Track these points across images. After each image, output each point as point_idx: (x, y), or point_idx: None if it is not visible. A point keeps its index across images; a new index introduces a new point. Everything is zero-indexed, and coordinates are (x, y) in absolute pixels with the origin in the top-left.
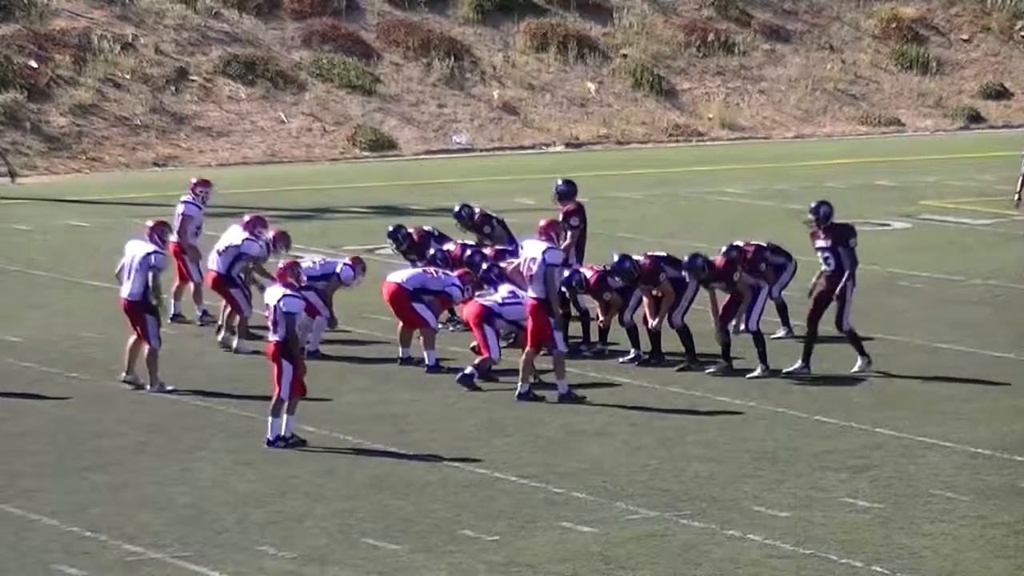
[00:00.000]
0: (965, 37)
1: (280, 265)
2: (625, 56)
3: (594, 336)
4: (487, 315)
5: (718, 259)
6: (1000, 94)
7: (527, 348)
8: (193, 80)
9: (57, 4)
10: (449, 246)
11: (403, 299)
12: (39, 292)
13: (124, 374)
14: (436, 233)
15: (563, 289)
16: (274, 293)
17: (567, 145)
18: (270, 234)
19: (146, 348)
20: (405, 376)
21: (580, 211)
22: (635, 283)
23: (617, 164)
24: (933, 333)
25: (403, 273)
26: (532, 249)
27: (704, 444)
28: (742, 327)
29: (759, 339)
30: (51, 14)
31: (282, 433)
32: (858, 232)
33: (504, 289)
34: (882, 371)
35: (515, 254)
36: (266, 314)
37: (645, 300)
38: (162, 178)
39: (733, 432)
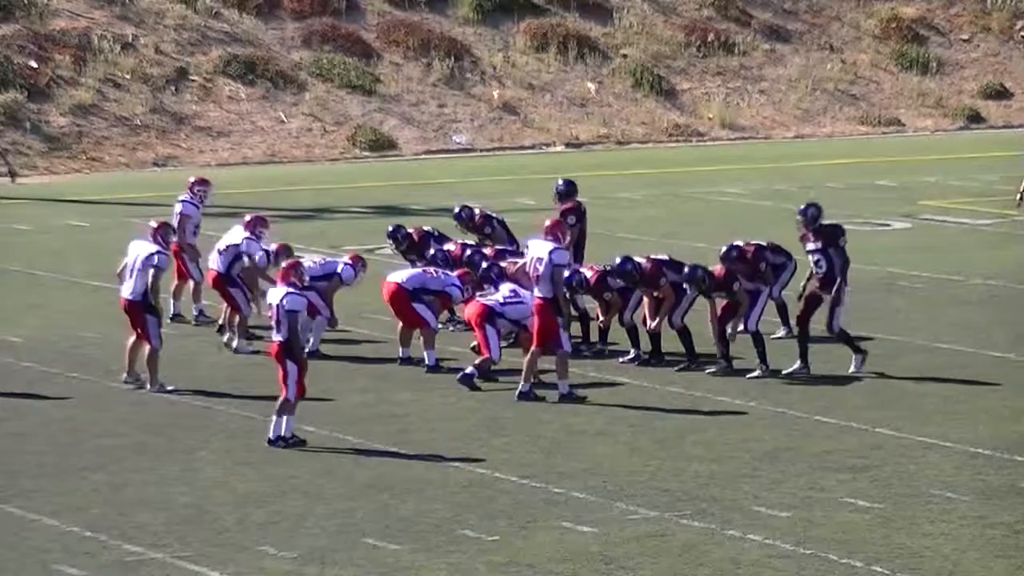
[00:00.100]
0: (965, 37)
1: (283, 265)
2: (625, 56)
3: (594, 336)
4: (489, 315)
5: (717, 268)
6: (1000, 94)
7: (533, 347)
8: (193, 80)
9: (57, 4)
10: (449, 246)
11: (403, 299)
12: (39, 292)
13: (125, 376)
14: (436, 233)
15: (564, 289)
16: (277, 292)
17: (567, 145)
18: (273, 246)
19: (147, 348)
20: (405, 376)
21: (578, 209)
22: (637, 285)
23: (617, 164)
24: (933, 333)
25: (403, 273)
26: (538, 249)
27: (704, 444)
28: (739, 328)
29: (758, 339)
30: (51, 14)
31: (282, 433)
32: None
33: (505, 288)
34: (882, 371)
35: (515, 254)
36: (268, 314)
37: (645, 301)
38: (162, 178)
39: (733, 432)
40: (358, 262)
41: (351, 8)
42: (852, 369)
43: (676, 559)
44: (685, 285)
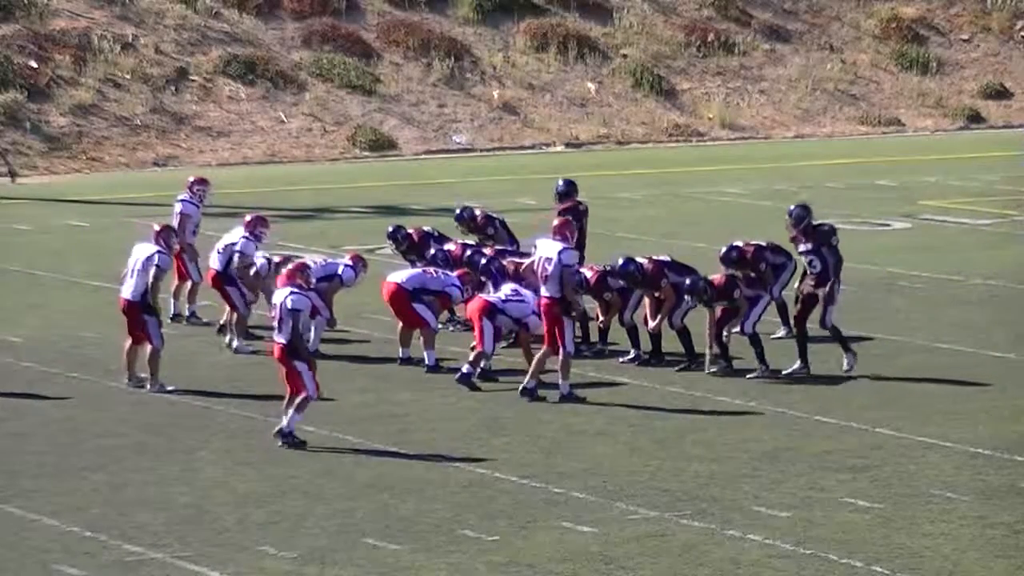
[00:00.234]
0: (965, 37)
1: (290, 266)
2: (625, 56)
3: (594, 336)
4: (490, 310)
5: (717, 277)
6: (1000, 94)
7: (544, 347)
8: (193, 80)
9: (57, 4)
10: (450, 246)
11: (403, 299)
12: (39, 292)
13: (127, 381)
14: (436, 234)
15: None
16: (281, 292)
17: (567, 145)
18: (277, 258)
19: (148, 348)
20: (405, 376)
21: (576, 209)
22: (639, 286)
23: (617, 164)
24: (933, 333)
25: (403, 273)
26: (547, 249)
27: (704, 444)
28: (735, 329)
29: (756, 341)
30: (51, 14)
31: (284, 427)
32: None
33: (507, 288)
34: (882, 371)
35: (515, 254)
36: (271, 314)
37: (646, 301)
38: (162, 178)
39: (733, 432)
40: (359, 262)
41: (351, 8)
42: (844, 368)
43: (676, 559)
44: (686, 296)
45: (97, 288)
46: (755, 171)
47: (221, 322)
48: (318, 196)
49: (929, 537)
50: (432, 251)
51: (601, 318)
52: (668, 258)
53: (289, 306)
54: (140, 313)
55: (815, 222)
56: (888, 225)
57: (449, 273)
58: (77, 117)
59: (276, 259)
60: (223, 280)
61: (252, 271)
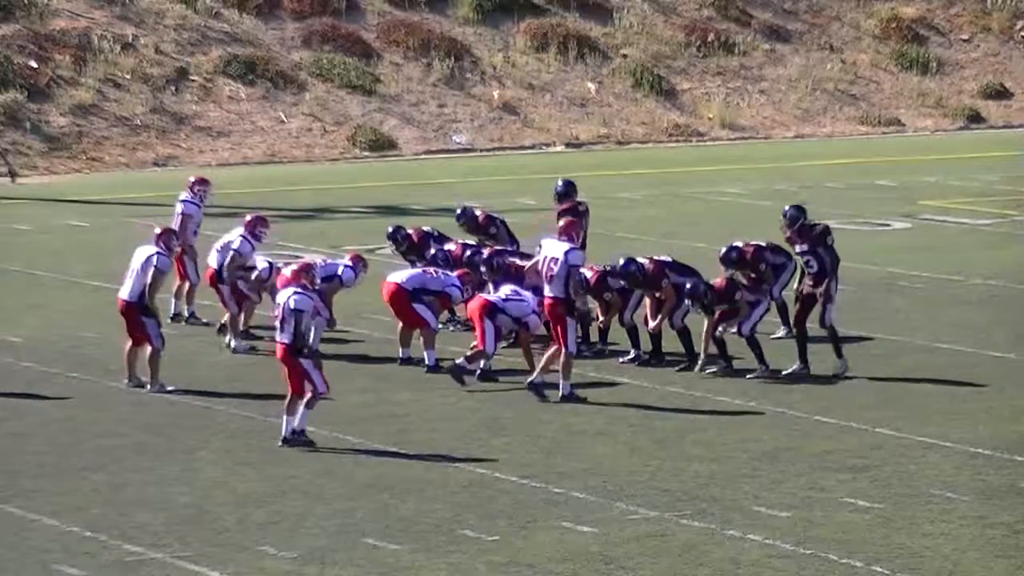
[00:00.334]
0: (965, 37)
1: (294, 266)
2: (625, 56)
3: (594, 336)
4: (491, 309)
5: (717, 281)
6: (1000, 94)
7: (554, 345)
8: (193, 80)
9: (57, 4)
10: (450, 246)
11: (403, 299)
12: (39, 292)
13: (127, 382)
14: (436, 234)
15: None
16: (284, 292)
17: (567, 145)
18: (281, 264)
19: (148, 349)
20: (405, 376)
21: (574, 209)
22: (639, 286)
23: (617, 164)
24: (933, 333)
25: (403, 273)
26: (553, 249)
27: (704, 444)
28: (732, 330)
29: (754, 342)
30: (51, 14)
31: (295, 427)
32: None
33: (507, 288)
34: (882, 371)
35: (515, 254)
36: (273, 314)
37: (647, 300)
38: (162, 178)
39: (733, 432)
40: (359, 263)
41: (351, 8)
42: (835, 371)
43: (676, 559)
44: (687, 300)
45: (97, 288)
46: (755, 171)
47: (221, 322)
48: (318, 196)
49: (929, 537)
50: (432, 251)
51: (601, 318)
52: (669, 258)
53: (292, 306)
54: (138, 315)
55: (809, 223)
56: (888, 225)
57: (449, 273)
58: (77, 117)
59: (279, 264)
60: (221, 279)
61: (253, 275)
